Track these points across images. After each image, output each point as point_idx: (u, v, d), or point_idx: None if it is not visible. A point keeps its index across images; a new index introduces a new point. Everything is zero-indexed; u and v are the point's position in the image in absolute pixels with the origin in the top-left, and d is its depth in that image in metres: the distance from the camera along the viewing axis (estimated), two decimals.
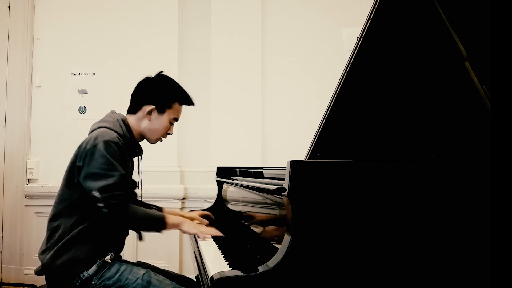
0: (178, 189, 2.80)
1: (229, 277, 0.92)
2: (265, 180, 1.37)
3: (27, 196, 3.06)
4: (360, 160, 1.00)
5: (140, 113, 1.62)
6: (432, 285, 0.98)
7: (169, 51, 2.91)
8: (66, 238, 1.45)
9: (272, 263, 0.94)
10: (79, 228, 1.45)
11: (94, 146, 1.42)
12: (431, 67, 1.24)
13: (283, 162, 1.01)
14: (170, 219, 1.51)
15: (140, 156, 1.71)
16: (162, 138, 1.68)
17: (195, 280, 1.72)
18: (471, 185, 1.02)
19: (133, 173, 1.70)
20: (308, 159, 1.20)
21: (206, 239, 1.51)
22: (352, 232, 0.97)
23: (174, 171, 2.84)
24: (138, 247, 2.77)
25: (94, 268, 1.44)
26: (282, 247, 0.96)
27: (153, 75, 1.66)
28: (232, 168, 2.09)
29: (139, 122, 1.62)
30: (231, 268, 1.13)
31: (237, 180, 1.78)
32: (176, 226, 1.53)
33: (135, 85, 1.67)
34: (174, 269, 2.64)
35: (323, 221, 0.96)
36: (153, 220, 1.49)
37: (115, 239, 1.57)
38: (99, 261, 1.46)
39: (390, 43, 1.23)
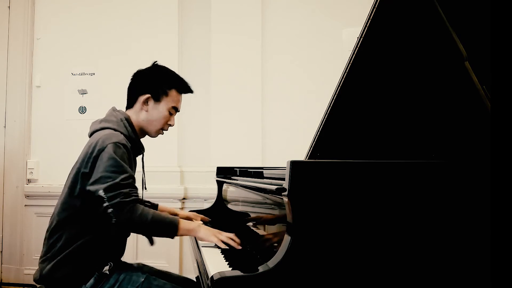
0: (178, 189, 2.80)
1: (229, 277, 0.92)
2: (265, 180, 1.37)
3: (27, 196, 3.06)
4: (360, 160, 1.00)
5: (137, 105, 1.57)
6: (432, 285, 0.98)
7: (169, 50, 2.91)
8: (67, 250, 1.40)
9: (272, 263, 0.94)
10: (81, 241, 1.40)
11: (102, 149, 1.37)
12: (431, 67, 1.24)
13: (283, 162, 1.01)
14: (183, 224, 1.40)
15: (142, 155, 1.66)
16: (163, 130, 1.61)
17: (195, 281, 1.72)
18: (471, 185, 1.02)
19: (136, 172, 1.68)
20: (308, 159, 1.20)
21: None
22: (352, 232, 0.97)
23: (174, 171, 2.85)
24: (137, 248, 2.77)
25: (91, 281, 1.40)
26: (282, 247, 0.96)
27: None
28: (232, 168, 2.09)
29: (138, 115, 1.57)
30: (231, 268, 1.13)
31: (237, 180, 1.77)
32: (190, 232, 1.41)
33: None
34: (174, 269, 2.64)
35: (323, 221, 0.96)
36: (164, 224, 1.37)
37: (117, 246, 1.54)
38: (96, 273, 1.42)
39: (390, 43, 1.23)
